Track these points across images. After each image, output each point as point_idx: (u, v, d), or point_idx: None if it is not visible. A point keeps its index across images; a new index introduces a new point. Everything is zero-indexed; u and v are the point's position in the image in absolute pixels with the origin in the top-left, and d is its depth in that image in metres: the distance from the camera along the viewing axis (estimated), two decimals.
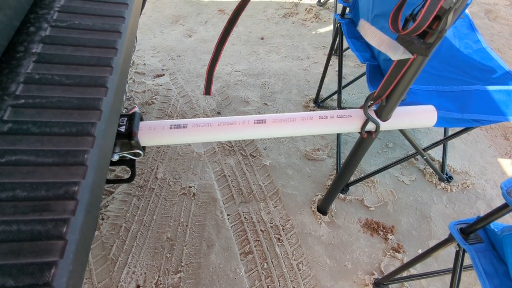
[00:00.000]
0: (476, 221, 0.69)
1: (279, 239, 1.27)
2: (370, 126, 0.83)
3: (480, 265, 0.67)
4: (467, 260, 0.72)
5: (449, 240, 0.76)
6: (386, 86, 0.75)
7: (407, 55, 0.63)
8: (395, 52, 0.63)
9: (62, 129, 0.53)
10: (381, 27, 0.84)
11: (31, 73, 0.58)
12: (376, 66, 1.13)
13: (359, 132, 0.85)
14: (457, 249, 0.74)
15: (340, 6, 1.35)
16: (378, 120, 0.81)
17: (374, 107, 0.84)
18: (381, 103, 0.79)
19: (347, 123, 0.82)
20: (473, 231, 0.71)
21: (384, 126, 0.83)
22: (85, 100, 0.57)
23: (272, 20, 2.39)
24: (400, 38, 0.63)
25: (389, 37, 0.64)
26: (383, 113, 0.80)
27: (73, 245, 0.44)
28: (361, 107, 0.82)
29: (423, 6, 0.55)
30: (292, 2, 2.56)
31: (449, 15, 0.54)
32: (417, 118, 0.85)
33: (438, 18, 0.56)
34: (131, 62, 1.98)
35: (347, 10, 1.32)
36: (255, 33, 2.28)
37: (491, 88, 1.02)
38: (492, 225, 0.69)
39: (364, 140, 0.90)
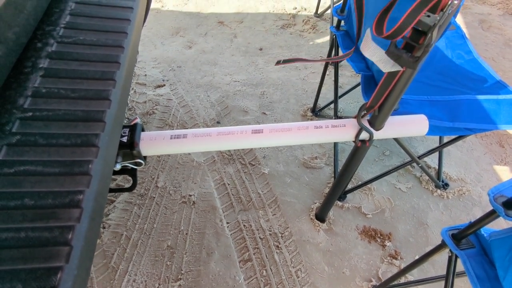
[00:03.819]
0: (467, 227, 0.71)
1: (277, 246, 1.28)
2: (364, 135, 0.85)
3: (472, 269, 0.69)
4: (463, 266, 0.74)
5: (442, 246, 0.78)
6: (378, 96, 0.78)
7: (396, 68, 0.66)
8: (385, 64, 0.66)
9: (68, 140, 0.55)
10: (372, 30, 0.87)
11: (39, 87, 0.61)
12: (371, 77, 1.17)
13: (353, 141, 0.88)
14: (450, 254, 0.76)
15: (336, 19, 1.39)
16: (372, 129, 0.84)
17: (367, 117, 0.87)
18: (374, 113, 0.82)
19: (342, 132, 0.85)
20: (464, 237, 0.73)
21: (377, 135, 0.85)
22: (89, 113, 0.60)
23: (271, 31, 2.44)
24: (390, 51, 0.66)
25: (382, 49, 0.68)
26: (376, 122, 0.83)
27: (78, 251, 0.46)
28: (354, 117, 0.85)
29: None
30: (290, 14, 2.62)
31: (434, 31, 0.57)
32: (409, 127, 0.88)
33: (424, 33, 0.59)
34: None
35: (342, 22, 1.36)
36: (253, 44, 2.33)
37: (481, 97, 1.05)
38: (482, 230, 0.71)
39: (359, 148, 0.93)
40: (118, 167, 0.76)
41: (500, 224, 1.35)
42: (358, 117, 0.83)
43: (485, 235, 0.70)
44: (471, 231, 0.70)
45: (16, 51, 0.65)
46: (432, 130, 1.03)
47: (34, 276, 0.43)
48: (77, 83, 0.64)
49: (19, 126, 0.55)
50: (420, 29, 0.59)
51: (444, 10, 0.54)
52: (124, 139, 0.76)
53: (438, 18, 0.55)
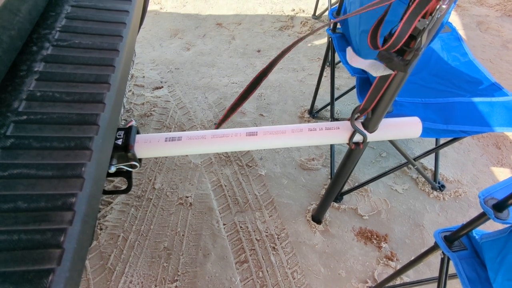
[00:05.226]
0: (459, 229, 0.71)
1: (274, 248, 1.29)
2: (358, 138, 0.86)
3: (463, 271, 0.69)
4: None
5: (434, 247, 0.79)
6: (371, 99, 0.78)
7: (387, 72, 0.67)
8: (376, 69, 0.66)
9: (62, 144, 0.56)
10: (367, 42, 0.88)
11: (33, 90, 0.62)
12: (366, 79, 1.17)
13: (347, 144, 0.88)
14: (442, 256, 0.76)
15: (332, 21, 1.39)
16: (365, 131, 0.84)
17: (361, 119, 0.87)
18: (368, 116, 0.83)
19: (336, 135, 0.85)
20: (456, 239, 0.74)
21: (371, 137, 0.86)
22: (83, 116, 0.61)
23: (269, 33, 2.45)
24: (381, 55, 0.67)
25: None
26: (370, 125, 0.84)
27: (70, 253, 0.46)
28: (348, 119, 0.85)
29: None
30: (288, 16, 2.62)
31: (423, 35, 0.58)
32: (402, 129, 0.88)
33: (414, 38, 0.59)
34: (130, 76, 2.02)
35: (338, 25, 1.37)
36: (251, 46, 2.34)
37: (474, 99, 1.05)
38: (474, 232, 0.72)
39: (353, 151, 0.93)
40: (113, 169, 0.76)
41: (496, 225, 1.35)
42: (351, 119, 0.83)
43: (476, 237, 0.70)
44: (463, 233, 0.70)
45: (11, 54, 0.65)
46: (426, 132, 1.03)
47: (25, 278, 0.43)
48: (72, 87, 0.65)
49: (13, 129, 0.56)
50: None
51: (433, 15, 0.55)
52: (119, 142, 0.76)
53: (427, 22, 0.56)
